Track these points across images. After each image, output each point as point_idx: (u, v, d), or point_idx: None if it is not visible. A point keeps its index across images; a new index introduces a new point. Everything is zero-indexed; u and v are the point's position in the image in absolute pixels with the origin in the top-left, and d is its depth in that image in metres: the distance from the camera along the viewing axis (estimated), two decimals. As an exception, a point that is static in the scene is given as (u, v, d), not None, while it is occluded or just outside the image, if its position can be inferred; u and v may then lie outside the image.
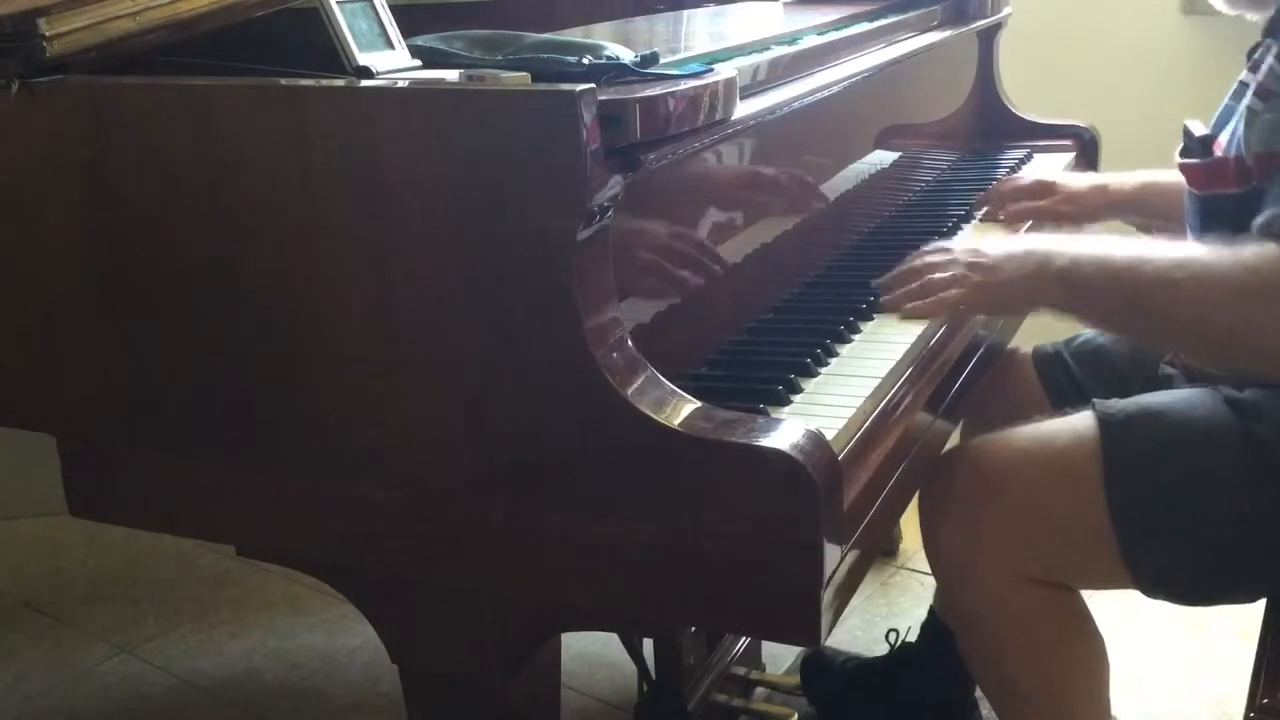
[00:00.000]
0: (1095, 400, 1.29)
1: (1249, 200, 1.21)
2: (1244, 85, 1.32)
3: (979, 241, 1.35)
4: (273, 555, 1.23)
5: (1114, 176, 1.71)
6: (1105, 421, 1.25)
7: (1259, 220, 1.17)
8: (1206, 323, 1.16)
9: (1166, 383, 1.41)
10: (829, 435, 0.98)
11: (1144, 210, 1.64)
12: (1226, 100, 1.36)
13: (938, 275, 1.30)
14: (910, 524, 1.37)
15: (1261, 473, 1.20)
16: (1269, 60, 1.26)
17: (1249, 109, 1.26)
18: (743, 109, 1.14)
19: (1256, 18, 1.34)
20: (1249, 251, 1.15)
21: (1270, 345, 1.14)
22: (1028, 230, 1.63)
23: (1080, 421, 1.28)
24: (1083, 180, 1.71)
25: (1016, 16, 2.16)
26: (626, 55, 1.05)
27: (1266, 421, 1.21)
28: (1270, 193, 1.18)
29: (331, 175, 1.00)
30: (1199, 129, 1.35)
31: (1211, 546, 1.22)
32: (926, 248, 1.36)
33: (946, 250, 1.34)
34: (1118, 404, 1.28)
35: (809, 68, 1.39)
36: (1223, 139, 1.31)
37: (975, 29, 2.01)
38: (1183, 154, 1.36)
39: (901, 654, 1.76)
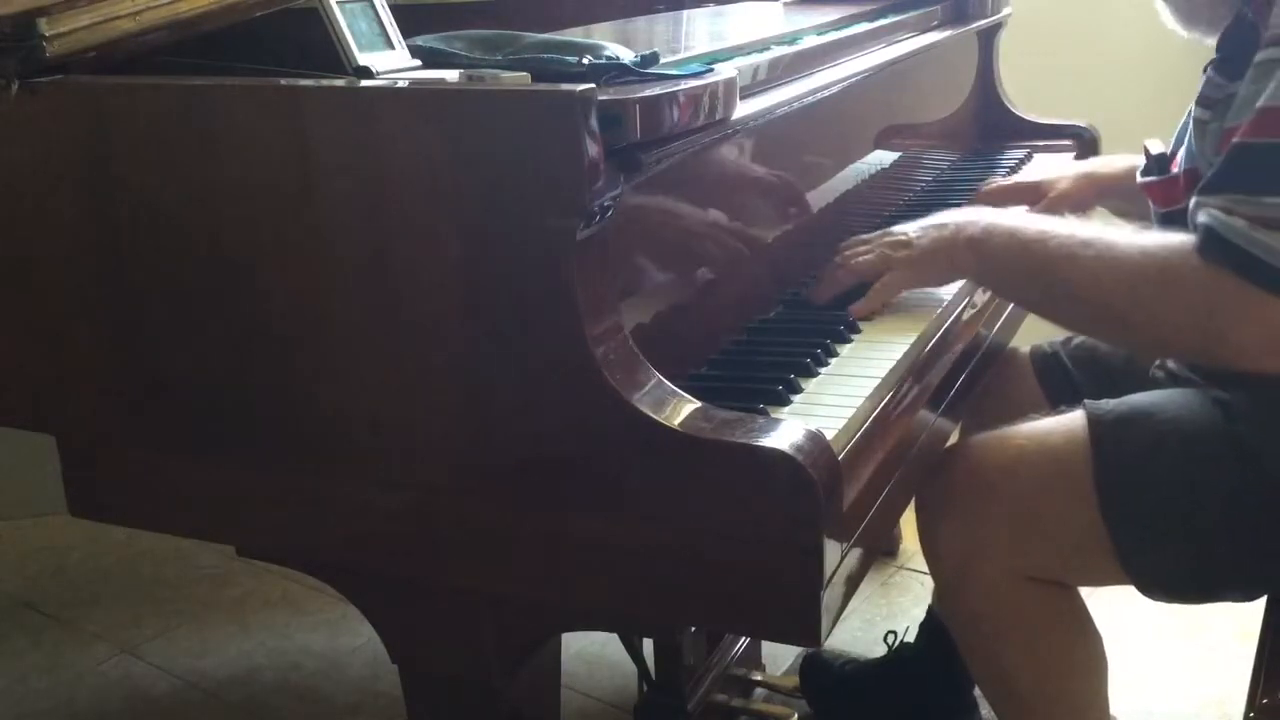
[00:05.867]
0: (1086, 400, 1.29)
1: None
2: None
3: (895, 227, 1.39)
4: (273, 555, 1.23)
5: (1100, 162, 1.74)
6: (1095, 421, 1.26)
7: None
8: (1099, 301, 1.19)
9: (1155, 384, 1.41)
10: (829, 435, 0.98)
11: (1131, 194, 1.65)
12: (1184, 118, 1.37)
13: (861, 259, 1.35)
14: (910, 524, 1.37)
15: (1247, 473, 1.20)
16: (1209, 70, 1.28)
17: (1196, 120, 1.27)
18: (743, 109, 1.14)
19: (1213, 41, 1.35)
20: (1152, 237, 1.18)
21: (1157, 330, 1.17)
22: None
23: (1071, 421, 1.28)
24: (1069, 174, 1.71)
25: (1016, 16, 2.16)
26: (626, 55, 1.05)
27: (1250, 423, 1.22)
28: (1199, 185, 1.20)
29: (331, 175, 1.00)
30: (1156, 147, 1.38)
31: (1203, 545, 1.22)
32: (844, 243, 1.40)
33: (863, 239, 1.38)
34: (1107, 404, 1.28)
35: (809, 68, 1.39)
36: (1179, 155, 1.33)
37: (975, 29, 2.01)
38: (1144, 173, 1.38)
39: (900, 655, 1.76)
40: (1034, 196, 1.67)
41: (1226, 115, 1.20)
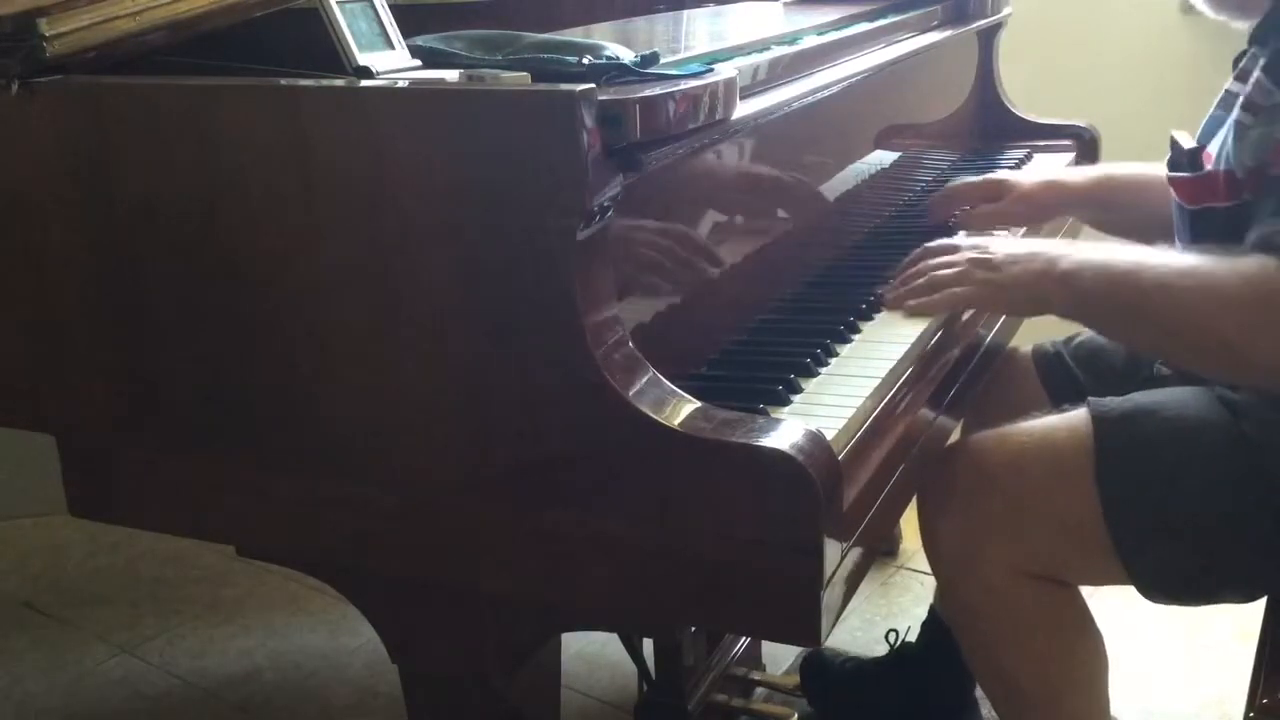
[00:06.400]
0: (1090, 398, 1.29)
1: (1240, 213, 1.21)
2: (1231, 95, 1.31)
3: (984, 239, 1.34)
4: (273, 555, 1.23)
5: (1069, 172, 1.72)
6: (1099, 419, 1.26)
7: (1254, 235, 1.16)
8: (1202, 331, 1.15)
9: (1162, 382, 1.41)
10: (829, 435, 0.98)
11: (1099, 205, 1.64)
12: (1213, 110, 1.35)
13: (943, 271, 1.30)
14: (910, 524, 1.37)
15: (1250, 472, 1.20)
16: (1256, 72, 1.26)
17: (1238, 123, 1.25)
18: (743, 109, 1.14)
19: (1241, 25, 1.34)
20: (1249, 263, 1.14)
21: (1265, 357, 1.13)
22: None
23: (1075, 418, 1.28)
24: (1036, 178, 1.68)
25: (1016, 16, 2.16)
26: (626, 55, 1.05)
27: (1254, 421, 1.22)
28: (1264, 207, 1.18)
29: (331, 175, 1.00)
30: (1186, 141, 1.34)
31: (1203, 544, 1.22)
32: (931, 243, 1.36)
33: (952, 246, 1.33)
34: (1112, 401, 1.28)
35: (809, 68, 1.39)
36: (1211, 150, 1.31)
37: (975, 29, 2.01)
38: (1171, 166, 1.36)
39: (901, 654, 1.76)
40: (996, 195, 1.64)
41: (1275, 124, 1.18)
